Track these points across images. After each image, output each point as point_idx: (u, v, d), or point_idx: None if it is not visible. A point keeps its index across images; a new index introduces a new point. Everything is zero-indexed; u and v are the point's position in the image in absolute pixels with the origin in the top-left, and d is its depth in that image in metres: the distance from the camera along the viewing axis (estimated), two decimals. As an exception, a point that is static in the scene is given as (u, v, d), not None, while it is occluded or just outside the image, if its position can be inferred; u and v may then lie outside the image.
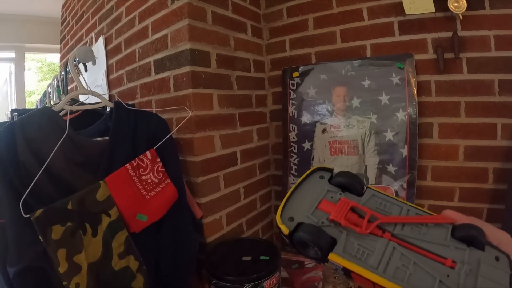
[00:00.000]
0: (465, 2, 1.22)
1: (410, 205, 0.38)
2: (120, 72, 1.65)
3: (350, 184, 0.39)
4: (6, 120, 1.08)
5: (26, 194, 0.79)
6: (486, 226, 0.36)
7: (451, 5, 1.24)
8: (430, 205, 1.41)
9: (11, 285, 0.80)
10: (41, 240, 0.79)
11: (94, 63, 1.16)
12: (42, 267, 0.82)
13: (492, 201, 1.32)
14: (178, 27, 1.25)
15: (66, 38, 2.51)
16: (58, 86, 1.83)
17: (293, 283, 1.28)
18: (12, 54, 3.21)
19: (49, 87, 1.96)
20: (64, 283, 0.81)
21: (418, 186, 1.38)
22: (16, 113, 1.07)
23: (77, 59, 1.17)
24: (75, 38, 2.29)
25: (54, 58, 3.28)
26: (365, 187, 0.41)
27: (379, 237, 0.35)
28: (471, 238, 0.35)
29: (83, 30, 2.13)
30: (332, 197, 0.39)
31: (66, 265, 0.81)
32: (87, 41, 2.00)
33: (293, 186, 0.40)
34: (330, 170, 0.40)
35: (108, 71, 1.78)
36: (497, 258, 0.33)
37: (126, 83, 1.60)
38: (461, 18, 1.27)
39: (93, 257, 0.88)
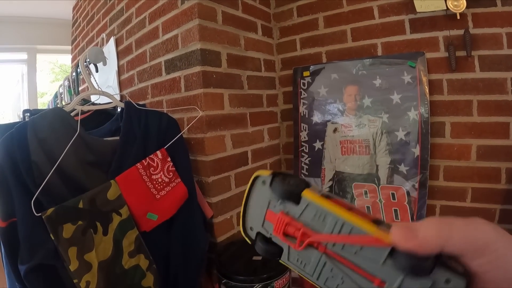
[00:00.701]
0: (464, 1, 1.22)
1: (346, 220, 0.33)
2: (131, 72, 1.66)
3: (286, 193, 0.38)
4: (18, 120, 1.09)
5: (38, 193, 0.80)
6: (455, 229, 0.29)
7: (450, 4, 1.23)
8: (442, 205, 1.39)
9: (23, 283, 0.81)
10: (52, 238, 0.80)
11: (104, 63, 1.17)
12: (53, 265, 0.83)
13: (504, 202, 1.29)
14: (189, 27, 1.26)
15: (78, 40, 2.54)
16: (69, 86, 1.85)
17: (303, 283, 1.26)
18: (24, 56, 3.25)
19: (61, 88, 1.98)
20: (75, 281, 0.82)
21: (430, 186, 1.37)
22: (28, 114, 1.09)
23: (88, 60, 1.18)
24: (86, 39, 2.31)
25: (66, 60, 3.31)
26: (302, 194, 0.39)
27: (315, 248, 0.36)
28: (409, 269, 0.30)
29: (94, 31, 2.14)
30: (275, 206, 0.39)
31: (77, 263, 0.82)
32: (98, 42, 2.01)
33: (245, 195, 0.41)
34: (271, 175, 0.39)
35: (119, 72, 1.79)
36: (447, 281, 0.28)
37: (137, 83, 1.61)
38: (459, 18, 1.25)
39: (103, 256, 0.89)
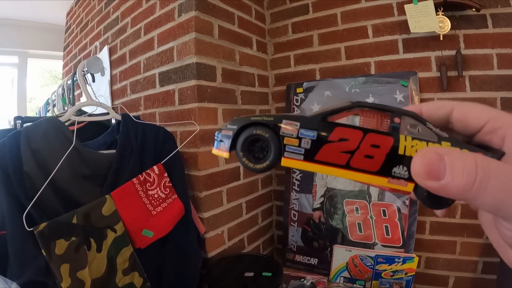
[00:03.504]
0: (449, 23, 1.26)
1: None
2: (124, 83, 1.65)
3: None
4: (9, 127, 1.07)
5: (30, 207, 0.78)
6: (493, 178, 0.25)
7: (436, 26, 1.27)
8: (432, 222, 1.41)
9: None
10: (44, 254, 0.78)
11: (102, 74, 1.17)
12: (44, 282, 0.81)
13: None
14: (185, 40, 1.26)
15: (70, 46, 2.52)
16: (63, 95, 1.83)
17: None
18: (15, 60, 3.21)
19: (53, 95, 1.96)
20: None
21: (420, 203, 1.38)
22: (20, 121, 1.07)
23: (86, 69, 1.17)
24: (79, 46, 2.30)
25: (57, 66, 3.27)
26: None
27: None
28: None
29: (88, 39, 2.13)
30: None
31: (69, 280, 0.80)
32: (91, 50, 2.00)
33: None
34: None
35: (112, 81, 1.78)
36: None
37: (130, 94, 1.60)
38: (442, 39, 1.30)
39: (97, 273, 0.87)
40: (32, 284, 0.79)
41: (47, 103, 2.15)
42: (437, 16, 1.26)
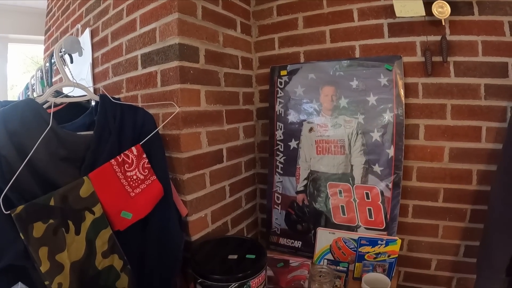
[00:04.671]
0: (449, 8, 1.24)
1: None
2: (105, 65, 1.62)
3: None
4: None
5: (7, 190, 0.77)
6: None
7: (435, 10, 1.26)
8: (415, 205, 1.44)
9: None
10: (22, 238, 0.76)
11: (80, 54, 1.14)
12: (24, 266, 0.80)
13: (475, 202, 1.35)
14: (168, 21, 1.23)
15: (51, 30, 2.45)
16: (42, 78, 1.79)
17: (279, 282, 1.27)
18: (-6, 45, 3.13)
19: (32, 79, 1.91)
20: (46, 282, 0.78)
21: (403, 186, 1.40)
22: (-1, 106, 1.04)
23: (63, 50, 1.14)
24: (61, 29, 2.24)
25: (38, 51, 3.19)
26: None
27: None
28: None
29: (69, 22, 2.08)
30: None
31: (48, 264, 0.79)
32: (73, 33, 1.95)
33: None
34: None
35: (94, 64, 1.74)
36: None
37: (112, 77, 1.57)
38: (443, 24, 1.29)
39: (76, 256, 0.86)
40: (12, 269, 0.78)
41: (27, 88, 2.10)
42: (436, 2, 1.24)
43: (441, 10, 1.25)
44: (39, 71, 1.83)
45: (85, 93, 1.08)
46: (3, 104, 1.03)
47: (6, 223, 0.76)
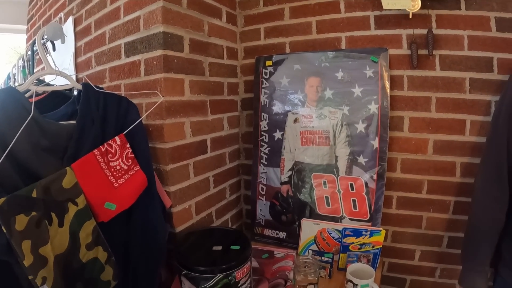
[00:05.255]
0: (419, 2, 1.24)
1: None
2: (88, 54, 1.59)
3: None
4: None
5: None
6: None
7: (408, 3, 1.26)
8: (399, 196, 1.45)
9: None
10: (4, 231, 0.73)
11: (63, 41, 1.11)
12: (6, 261, 0.77)
13: (459, 194, 1.37)
14: (152, 9, 1.21)
15: (34, 19, 2.40)
16: (23, 66, 1.75)
17: (264, 273, 1.27)
18: (-26, 34, 3.04)
19: (14, 68, 1.87)
20: (30, 277, 0.76)
21: (387, 178, 1.41)
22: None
23: (46, 37, 1.11)
24: (43, 18, 2.19)
25: (21, 41, 3.12)
26: None
27: None
28: None
29: (52, 10, 2.03)
30: None
31: (31, 257, 0.76)
32: (56, 22, 1.91)
33: None
34: None
35: (76, 54, 1.71)
36: None
37: (95, 66, 1.54)
38: (411, 17, 1.30)
39: (59, 249, 0.84)
40: None
41: (8, 78, 2.05)
42: None
43: (413, 3, 1.25)
44: (21, 59, 1.79)
45: (68, 82, 1.05)
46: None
47: None
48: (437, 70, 1.35)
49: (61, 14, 1.84)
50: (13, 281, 0.79)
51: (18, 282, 0.79)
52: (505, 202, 1.10)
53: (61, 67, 1.74)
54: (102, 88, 1.06)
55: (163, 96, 1.18)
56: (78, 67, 1.70)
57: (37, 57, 1.72)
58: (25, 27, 2.62)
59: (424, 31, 1.32)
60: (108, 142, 0.98)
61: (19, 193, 0.77)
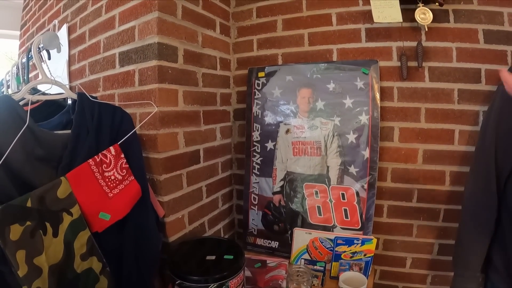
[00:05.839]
0: (431, 15, 1.28)
1: None
2: (82, 63, 1.59)
3: None
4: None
5: None
6: None
7: (418, 17, 1.29)
8: (389, 205, 1.48)
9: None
10: None
11: (59, 50, 1.11)
12: (1, 271, 0.76)
13: (448, 202, 1.40)
14: (147, 20, 1.22)
15: (27, 25, 2.39)
16: (17, 74, 1.74)
17: (257, 282, 1.28)
18: (-34, 39, 3.02)
19: (7, 75, 1.86)
20: (24, 287, 0.75)
21: (378, 187, 1.44)
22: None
23: (42, 45, 1.11)
24: (37, 25, 2.19)
25: (13, 46, 3.09)
26: None
27: None
28: None
29: (46, 17, 2.03)
30: None
31: (26, 268, 0.75)
32: (49, 29, 1.91)
33: None
34: None
35: (70, 62, 1.71)
36: None
37: (88, 75, 1.54)
38: (427, 30, 1.32)
39: (54, 259, 0.83)
40: None
41: (1, 84, 2.04)
42: (419, 8, 1.28)
43: (424, 17, 1.28)
44: (15, 67, 1.79)
45: (62, 91, 1.05)
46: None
47: None
48: (426, 81, 1.38)
49: (56, 21, 1.84)
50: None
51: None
52: (494, 209, 1.13)
53: (54, 75, 1.72)
54: (96, 98, 1.06)
55: (157, 107, 1.19)
56: (71, 75, 1.70)
57: (31, 63, 1.72)
58: (17, 32, 2.60)
59: (414, 44, 1.35)
60: (103, 152, 0.98)
61: (13, 202, 0.76)
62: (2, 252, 0.73)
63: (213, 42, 1.54)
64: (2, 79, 2.02)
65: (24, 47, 2.43)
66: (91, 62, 1.52)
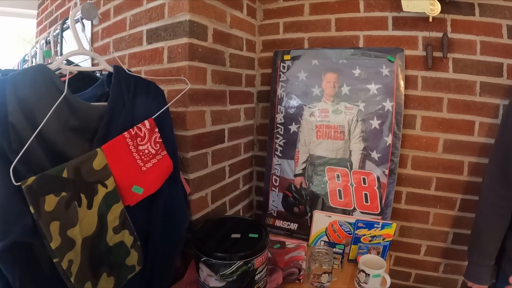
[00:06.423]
0: (439, 6, 1.29)
1: None
2: (106, 40, 1.59)
3: None
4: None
5: (17, 160, 0.69)
6: None
7: (426, 7, 1.30)
8: (408, 192, 1.49)
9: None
10: (32, 211, 0.70)
11: (96, 21, 1.10)
12: (29, 244, 0.74)
13: (465, 192, 1.42)
14: (178, -3, 1.22)
15: (46, 3, 2.37)
16: (46, 47, 1.73)
17: (277, 262, 1.29)
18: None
19: (33, 50, 1.85)
20: (56, 260, 0.73)
21: (398, 174, 1.45)
22: (-1, 74, 0.99)
23: (80, 15, 1.09)
24: (56, 3, 2.17)
25: (26, 27, 3.05)
26: None
27: None
28: None
29: (66, -5, 2.02)
30: None
31: (59, 239, 0.74)
32: (70, 6, 1.89)
33: None
34: None
35: (92, 39, 1.70)
36: None
37: (113, 52, 1.54)
38: (431, 21, 1.33)
39: (87, 231, 0.82)
40: (18, 247, 0.72)
41: (24, 60, 2.03)
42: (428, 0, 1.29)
43: (432, 8, 1.30)
44: (43, 40, 1.77)
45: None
46: (4, 73, 0.95)
47: (12, 196, 0.69)
48: (450, 72, 1.39)
49: (77, -1, 1.83)
50: (32, 265, 0.76)
51: (39, 266, 0.77)
52: (510, 199, 1.14)
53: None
54: (130, 71, 1.06)
55: (189, 84, 1.19)
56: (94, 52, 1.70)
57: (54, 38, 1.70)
58: (33, 11, 2.58)
59: (440, 35, 1.36)
60: (138, 125, 0.97)
61: (49, 172, 0.74)
62: (33, 223, 0.71)
63: (240, 23, 1.54)
64: (26, 54, 2.01)
65: (41, 26, 2.42)
66: (116, 39, 1.52)
